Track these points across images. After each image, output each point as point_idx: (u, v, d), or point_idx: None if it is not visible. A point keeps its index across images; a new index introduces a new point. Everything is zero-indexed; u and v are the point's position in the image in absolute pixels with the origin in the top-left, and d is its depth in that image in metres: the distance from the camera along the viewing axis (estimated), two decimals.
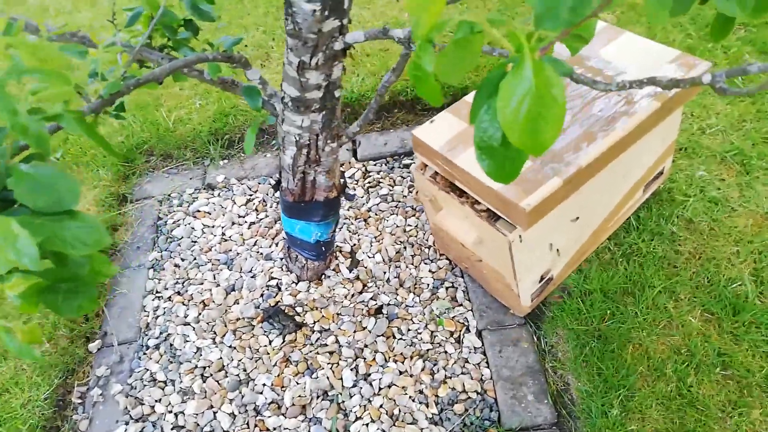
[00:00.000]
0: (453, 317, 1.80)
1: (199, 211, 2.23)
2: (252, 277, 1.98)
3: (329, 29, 1.32)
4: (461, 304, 1.82)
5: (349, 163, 2.27)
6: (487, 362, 1.69)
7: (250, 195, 2.25)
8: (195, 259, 2.08)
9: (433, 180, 1.59)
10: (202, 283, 1.99)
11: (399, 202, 2.12)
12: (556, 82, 0.58)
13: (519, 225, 1.40)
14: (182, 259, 2.09)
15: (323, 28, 1.30)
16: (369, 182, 2.19)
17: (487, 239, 1.53)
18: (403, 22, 2.62)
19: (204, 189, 2.31)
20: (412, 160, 2.24)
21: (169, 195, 2.31)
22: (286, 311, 1.84)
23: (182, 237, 2.16)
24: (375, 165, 2.25)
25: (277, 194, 1.74)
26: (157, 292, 2.02)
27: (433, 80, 0.64)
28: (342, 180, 1.75)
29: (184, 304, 1.95)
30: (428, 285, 1.89)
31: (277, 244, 2.06)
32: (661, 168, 1.84)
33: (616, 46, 1.66)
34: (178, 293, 1.99)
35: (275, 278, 1.95)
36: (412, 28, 0.65)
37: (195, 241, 2.14)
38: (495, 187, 1.39)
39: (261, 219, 2.16)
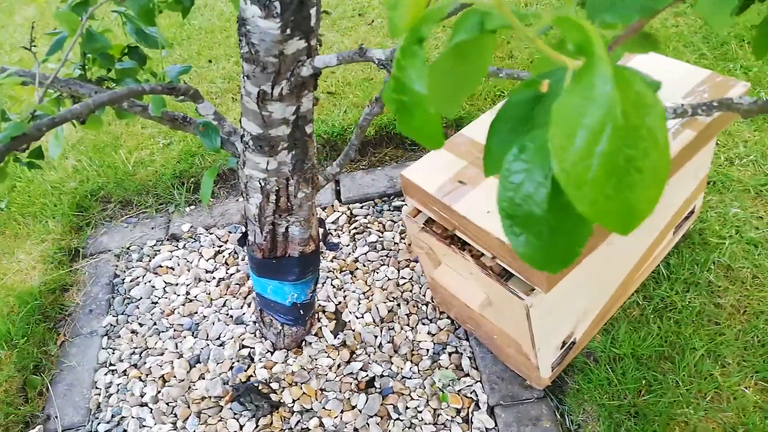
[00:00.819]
0: (459, 390, 1.50)
1: (161, 266, 1.94)
2: (220, 345, 1.68)
3: (293, 51, 1.06)
4: (468, 374, 1.53)
5: (332, 206, 2.00)
6: None
7: (219, 246, 1.97)
8: (155, 324, 1.78)
9: (428, 228, 1.32)
10: (162, 354, 1.70)
11: (390, 250, 1.85)
12: (651, 104, 0.31)
13: (538, 285, 1.13)
14: (140, 324, 1.79)
15: (285, 50, 1.05)
16: (355, 228, 1.92)
17: (498, 302, 1.25)
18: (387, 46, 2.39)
19: (167, 240, 2.03)
20: (403, 201, 1.98)
21: (127, 248, 2.03)
22: (259, 388, 1.54)
23: (141, 297, 1.87)
24: (361, 208, 1.98)
25: (245, 249, 1.46)
26: (110, 364, 1.72)
27: (426, 108, 0.38)
28: (321, 230, 1.47)
29: (141, 380, 1.65)
30: (428, 351, 1.60)
31: (249, 305, 1.77)
32: (693, 206, 1.58)
33: (635, 65, 1.42)
34: (135, 366, 1.69)
35: (247, 347, 1.66)
36: (388, 21, 0.38)
37: (155, 303, 1.85)
38: (506, 239, 1.11)
39: (231, 274, 1.88)
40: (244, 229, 1.44)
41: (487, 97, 2.11)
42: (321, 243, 1.48)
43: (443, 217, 1.26)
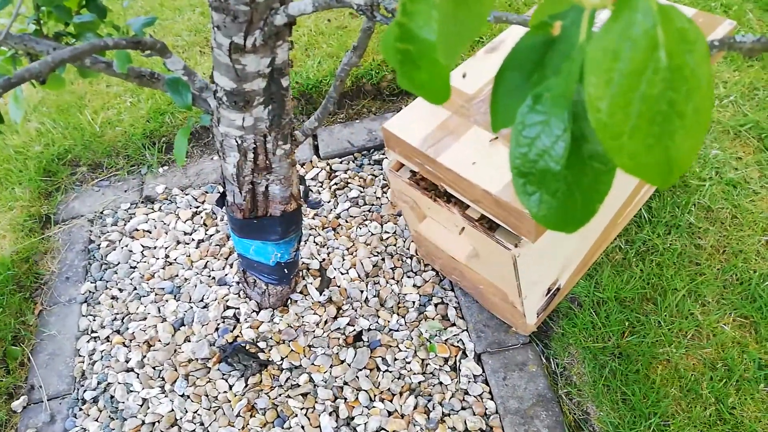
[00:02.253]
0: (446, 340, 1.52)
1: (137, 230, 1.89)
2: (204, 307, 1.66)
3: None
4: (454, 324, 1.55)
5: (311, 162, 1.95)
6: (490, 393, 1.42)
7: (196, 207, 1.92)
8: (135, 288, 1.75)
9: (412, 182, 1.30)
10: (145, 319, 1.67)
11: (372, 205, 1.82)
12: (694, 40, 0.29)
13: (525, 236, 1.12)
14: (120, 290, 1.76)
15: None
16: (335, 184, 1.89)
17: (485, 253, 1.25)
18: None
19: (142, 203, 1.97)
20: (383, 154, 1.94)
21: (101, 213, 1.96)
22: (247, 348, 1.53)
23: (119, 263, 1.82)
24: (341, 163, 1.94)
25: (224, 210, 1.42)
26: (92, 331, 1.69)
27: (434, 58, 0.35)
28: (302, 187, 1.44)
29: (125, 346, 1.63)
30: (414, 303, 1.60)
31: (231, 265, 1.75)
32: None
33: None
34: (118, 332, 1.66)
35: (232, 307, 1.64)
36: None
37: (134, 267, 1.81)
38: (492, 190, 1.10)
39: (211, 235, 1.84)
40: (221, 189, 1.40)
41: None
42: (302, 200, 1.44)
43: (428, 170, 1.23)
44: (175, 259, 1.79)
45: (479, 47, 1.80)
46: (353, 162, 1.94)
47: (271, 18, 1.03)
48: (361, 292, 1.64)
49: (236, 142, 1.21)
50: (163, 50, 1.12)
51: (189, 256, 1.79)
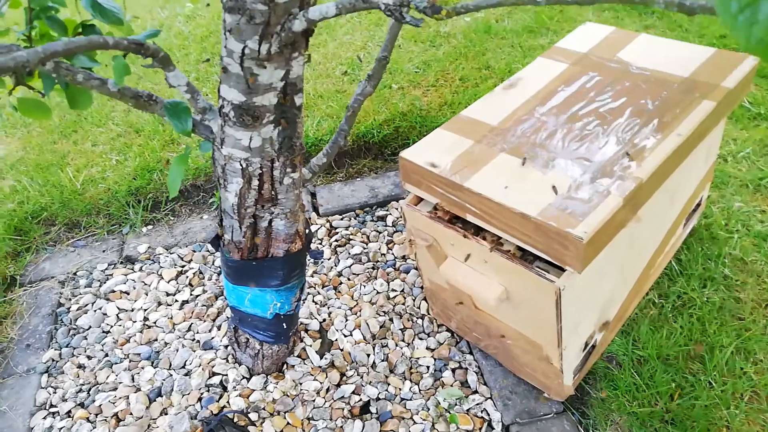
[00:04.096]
0: (468, 410, 1.32)
1: (113, 291, 1.70)
2: (185, 375, 1.44)
3: (286, 0, 0.92)
4: (476, 391, 1.35)
5: (309, 219, 1.82)
6: None
7: (182, 266, 1.75)
8: (107, 355, 1.53)
9: (432, 216, 1.17)
10: (115, 389, 1.44)
11: (377, 262, 1.67)
12: None
13: (570, 265, 0.98)
14: (89, 357, 1.53)
15: None
16: (336, 240, 1.74)
17: (519, 292, 1.10)
18: (357, 64, 2.29)
19: (121, 263, 1.79)
20: (386, 211, 1.82)
21: (74, 274, 1.77)
22: (235, 420, 1.31)
23: (90, 327, 1.61)
24: (342, 220, 1.81)
25: (218, 255, 1.26)
26: (51, 406, 1.44)
27: None
28: (307, 229, 1.30)
29: (89, 421, 1.38)
30: (428, 368, 1.41)
31: (219, 327, 1.55)
32: (701, 197, 1.50)
33: (637, 50, 1.35)
34: (82, 405, 1.42)
35: (218, 374, 1.43)
36: None
37: (107, 332, 1.59)
38: (532, 212, 0.98)
39: (197, 296, 1.65)
40: (218, 227, 1.25)
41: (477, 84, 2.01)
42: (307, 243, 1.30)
43: (452, 200, 1.11)
44: (154, 322, 1.59)
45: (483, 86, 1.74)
46: (355, 219, 1.81)
47: (289, 23, 0.95)
48: (368, 355, 1.45)
49: (240, 165, 1.09)
50: (166, 61, 1.02)
51: (171, 318, 1.59)
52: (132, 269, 1.77)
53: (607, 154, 1.08)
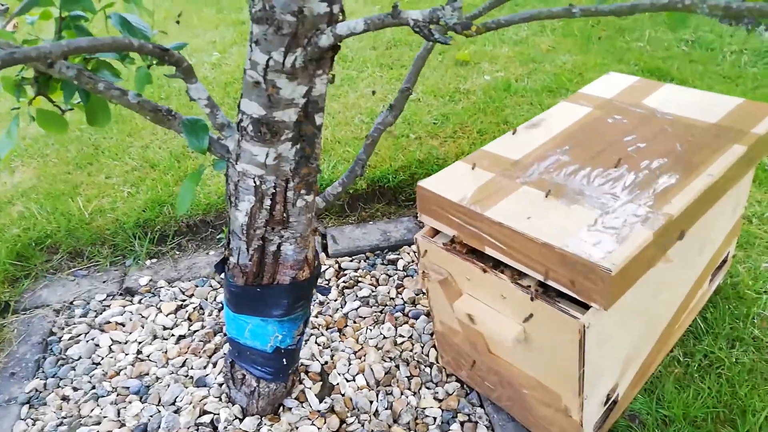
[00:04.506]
0: None
1: (109, 322, 1.63)
2: (175, 411, 1.35)
3: (315, 14, 0.92)
4: None
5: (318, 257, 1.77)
6: None
7: (183, 300, 1.68)
8: (94, 387, 1.44)
9: (449, 248, 1.12)
10: (98, 423, 1.34)
11: (385, 305, 1.60)
12: None
13: (596, 301, 0.92)
14: (75, 389, 1.44)
15: (306, 8, 0.91)
16: (344, 282, 1.68)
17: (539, 332, 1.02)
18: (377, 113, 2.31)
19: (120, 294, 1.73)
20: (398, 255, 1.77)
21: (70, 303, 1.71)
22: None
23: (80, 357, 1.53)
24: (351, 261, 1.76)
25: (221, 292, 1.21)
26: None
27: None
28: (316, 260, 1.24)
29: None
30: (435, 420, 1.31)
31: (215, 365, 1.47)
32: (727, 252, 1.44)
33: (663, 100, 1.34)
34: None
35: (209, 412, 1.33)
36: None
37: (97, 363, 1.51)
38: (556, 243, 0.92)
39: (195, 331, 1.58)
40: (224, 251, 1.20)
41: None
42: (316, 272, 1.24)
43: (470, 231, 1.06)
44: (148, 356, 1.51)
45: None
46: (365, 261, 1.75)
47: (317, 38, 0.94)
48: (371, 402, 1.35)
49: (254, 183, 1.05)
50: (189, 72, 1.02)
51: (165, 352, 1.51)
52: (131, 301, 1.70)
53: (635, 191, 1.04)
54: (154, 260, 1.85)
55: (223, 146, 1.11)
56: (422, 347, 1.48)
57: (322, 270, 1.72)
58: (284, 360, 1.24)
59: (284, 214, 1.10)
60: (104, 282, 1.78)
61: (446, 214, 1.10)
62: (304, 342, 1.49)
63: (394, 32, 3.09)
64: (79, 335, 1.60)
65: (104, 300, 1.72)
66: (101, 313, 1.67)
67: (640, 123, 1.25)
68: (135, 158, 2.19)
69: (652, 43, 2.76)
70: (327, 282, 1.70)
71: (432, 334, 1.50)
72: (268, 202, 1.07)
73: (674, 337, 1.35)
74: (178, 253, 1.86)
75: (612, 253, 0.89)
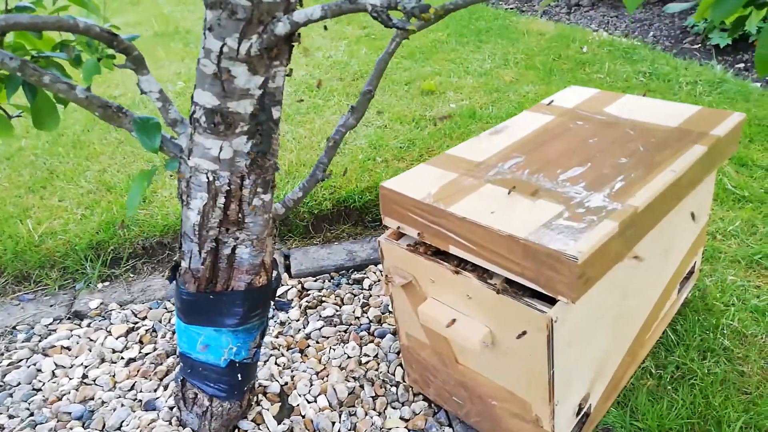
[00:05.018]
0: None
1: (53, 346, 1.52)
2: None
3: (271, 0, 0.90)
4: None
5: (280, 277, 1.70)
6: None
7: (135, 323, 1.58)
8: (32, 414, 1.32)
9: (412, 249, 1.07)
10: None
11: (350, 325, 1.54)
12: None
13: (563, 294, 0.88)
14: (10, 417, 1.32)
15: None
16: (307, 302, 1.61)
17: (507, 333, 0.98)
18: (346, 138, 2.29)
19: (68, 318, 1.62)
20: (364, 274, 1.71)
21: (13, 327, 1.59)
22: None
23: (19, 383, 1.41)
24: (315, 281, 1.69)
25: (175, 283, 1.14)
26: None
27: None
28: (275, 270, 1.18)
29: None
30: None
31: (166, 387, 1.37)
32: (694, 262, 1.43)
33: (627, 108, 1.35)
34: None
35: None
36: None
37: (38, 389, 1.40)
38: (520, 234, 0.89)
39: (146, 354, 1.48)
40: (176, 257, 1.13)
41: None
42: (273, 281, 1.18)
43: (434, 230, 1.03)
44: (94, 380, 1.40)
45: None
46: (329, 281, 1.69)
47: (273, 25, 0.92)
48: (333, 423, 1.27)
49: (207, 179, 1.00)
50: (140, 61, 0.98)
51: (113, 375, 1.41)
52: (78, 325, 1.60)
53: (599, 185, 1.02)
54: (107, 283, 1.75)
55: (176, 145, 1.07)
56: (388, 366, 1.41)
57: (284, 290, 1.65)
58: (239, 375, 1.16)
59: (239, 214, 1.05)
60: (51, 306, 1.68)
61: (409, 214, 1.06)
62: (262, 362, 1.41)
63: (361, 64, 3.13)
64: (20, 360, 1.49)
65: (50, 324, 1.61)
66: (46, 338, 1.56)
67: (603, 128, 1.25)
68: (91, 181, 2.11)
69: (611, 74, 2.84)
70: (290, 302, 1.63)
71: (398, 353, 1.44)
72: (222, 200, 1.02)
73: (645, 349, 1.31)
74: (132, 275, 1.77)
75: (577, 242, 0.86)
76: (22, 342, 1.55)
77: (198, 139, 0.99)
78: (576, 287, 0.86)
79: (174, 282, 1.13)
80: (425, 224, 1.04)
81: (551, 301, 0.92)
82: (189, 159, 1.01)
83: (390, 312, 1.57)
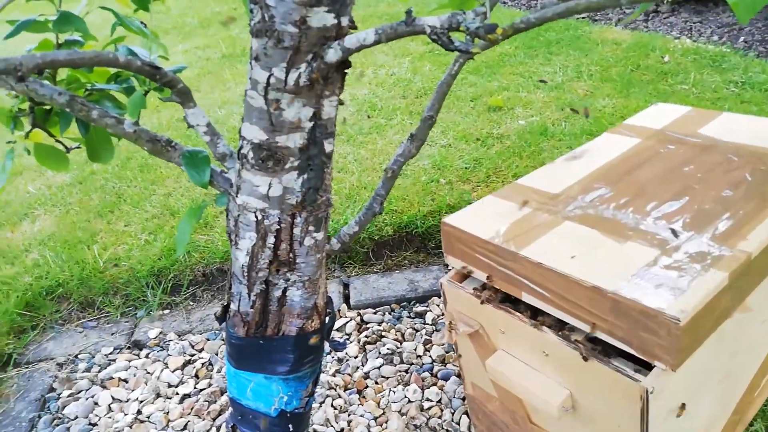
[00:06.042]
0: None
1: (112, 377, 1.50)
2: None
3: (319, 25, 0.82)
4: None
5: (338, 311, 1.62)
6: None
7: (191, 355, 1.55)
8: None
9: (478, 294, 0.96)
10: None
11: (411, 364, 1.43)
12: None
13: (661, 359, 0.74)
14: None
15: (309, 19, 0.81)
16: (366, 336, 1.52)
17: (590, 399, 0.84)
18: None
19: (127, 348, 1.61)
20: (426, 306, 1.60)
21: (75, 356, 1.60)
22: None
23: (76, 417, 1.40)
24: (375, 314, 1.60)
25: (224, 327, 1.08)
26: None
27: None
28: (329, 308, 1.10)
29: None
30: None
31: (218, 428, 1.31)
32: None
33: (718, 123, 1.18)
34: None
35: None
36: None
37: (94, 424, 1.38)
38: (608, 287, 0.76)
39: (201, 390, 1.43)
40: (225, 299, 1.07)
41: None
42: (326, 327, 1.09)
43: (504, 274, 0.91)
44: (148, 417, 1.37)
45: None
46: (390, 314, 1.60)
47: (322, 52, 0.84)
48: None
49: (255, 218, 0.93)
50: (186, 94, 0.92)
51: (167, 413, 1.37)
52: (137, 355, 1.58)
53: (700, 224, 0.87)
54: (167, 311, 1.73)
55: (226, 179, 1.01)
56: (452, 413, 1.29)
57: (343, 323, 1.57)
58: (290, 426, 1.08)
59: (290, 254, 0.97)
60: (113, 334, 1.67)
61: (475, 255, 0.95)
62: (318, 404, 1.33)
63: (425, 81, 3.03)
64: (79, 392, 1.48)
65: (110, 353, 1.60)
66: (105, 368, 1.55)
67: (699, 152, 1.09)
68: (156, 206, 2.13)
69: (697, 85, 2.60)
70: (347, 336, 1.54)
71: (464, 399, 1.32)
72: (271, 239, 0.95)
73: (754, 408, 1.13)
74: (192, 303, 1.75)
75: (679, 299, 0.72)
76: (83, 372, 1.54)
77: (246, 176, 0.92)
78: (677, 352, 0.72)
79: (223, 324, 1.07)
80: (494, 267, 0.92)
81: (645, 364, 0.78)
82: (237, 197, 0.95)
83: (454, 350, 1.45)
